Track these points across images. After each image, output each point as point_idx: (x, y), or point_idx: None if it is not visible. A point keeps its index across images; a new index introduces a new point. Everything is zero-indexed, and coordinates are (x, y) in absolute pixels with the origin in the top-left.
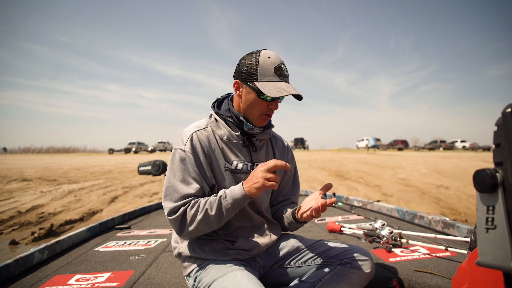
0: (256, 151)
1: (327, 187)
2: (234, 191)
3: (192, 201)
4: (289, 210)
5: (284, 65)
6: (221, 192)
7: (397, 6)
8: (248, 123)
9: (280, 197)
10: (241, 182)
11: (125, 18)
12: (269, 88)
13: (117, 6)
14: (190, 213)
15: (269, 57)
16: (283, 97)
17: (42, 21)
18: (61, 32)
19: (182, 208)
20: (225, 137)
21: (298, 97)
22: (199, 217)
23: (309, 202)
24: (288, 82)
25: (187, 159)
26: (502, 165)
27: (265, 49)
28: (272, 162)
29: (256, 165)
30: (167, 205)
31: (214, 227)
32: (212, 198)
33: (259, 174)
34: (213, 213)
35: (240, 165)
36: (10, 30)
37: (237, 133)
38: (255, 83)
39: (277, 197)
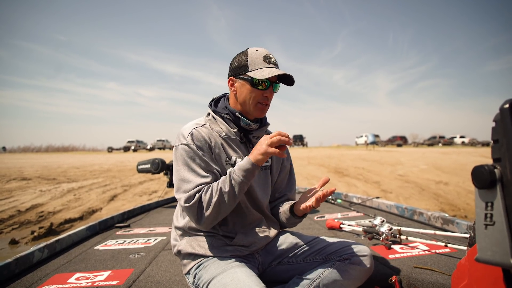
0: (253, 147)
1: (324, 181)
2: (242, 163)
3: (205, 187)
4: (287, 206)
5: (272, 55)
6: (229, 169)
7: (395, 3)
8: (245, 118)
9: (277, 193)
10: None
11: (123, 16)
12: (260, 73)
13: (115, 4)
14: (205, 198)
15: (257, 50)
16: (277, 85)
17: (40, 20)
18: (60, 31)
19: (197, 195)
20: (223, 134)
21: (290, 81)
22: (214, 198)
23: (307, 196)
24: (277, 68)
25: (192, 151)
26: (501, 161)
27: (252, 47)
28: (275, 132)
29: None
30: (182, 196)
31: (231, 204)
32: (222, 177)
33: (262, 142)
34: (227, 189)
35: (238, 161)
36: (8, 28)
37: (235, 130)
38: (247, 73)
39: (274, 194)
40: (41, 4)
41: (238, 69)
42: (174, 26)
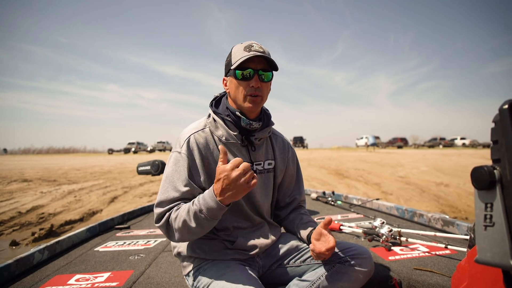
0: (255, 151)
1: (328, 221)
2: (208, 202)
3: (174, 208)
4: (304, 233)
5: (256, 43)
6: (195, 205)
7: (396, 4)
8: (245, 118)
9: (287, 198)
10: (212, 189)
11: (124, 18)
12: (238, 62)
13: (115, 5)
14: (172, 219)
15: (241, 43)
16: (267, 74)
17: (41, 22)
18: (61, 33)
19: (166, 215)
20: (224, 138)
21: (272, 65)
22: (178, 225)
23: (317, 242)
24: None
25: (181, 161)
26: (500, 162)
27: None
28: (235, 160)
29: (256, 164)
30: (155, 211)
31: (199, 235)
32: (190, 207)
33: (235, 180)
34: (193, 225)
35: None
36: (8, 31)
37: (235, 133)
38: (231, 68)
39: (284, 199)
40: (41, 6)
41: (226, 68)
42: (175, 28)
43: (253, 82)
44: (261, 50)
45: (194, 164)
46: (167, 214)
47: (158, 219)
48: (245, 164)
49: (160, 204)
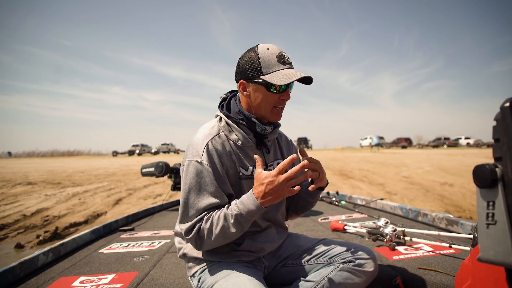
0: (269, 153)
1: (302, 152)
2: (248, 205)
3: (204, 218)
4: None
5: (285, 52)
6: (234, 210)
7: (401, 4)
8: (261, 123)
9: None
10: (252, 193)
11: (126, 19)
12: (278, 77)
13: (117, 7)
14: (204, 228)
15: (268, 49)
16: (292, 85)
17: (43, 24)
18: (63, 35)
19: (197, 226)
20: (239, 142)
21: (308, 81)
22: (215, 233)
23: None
24: (293, 68)
25: (204, 171)
26: (502, 160)
27: (261, 43)
28: (280, 165)
29: (269, 166)
30: (183, 227)
31: (231, 240)
32: (226, 213)
33: (281, 184)
34: (233, 230)
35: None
36: (11, 33)
37: (251, 136)
38: (261, 77)
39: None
40: (42, 7)
41: (250, 72)
42: (178, 29)
43: (285, 95)
44: (291, 61)
45: (217, 173)
46: (198, 225)
47: (189, 231)
48: (294, 170)
49: (188, 217)
